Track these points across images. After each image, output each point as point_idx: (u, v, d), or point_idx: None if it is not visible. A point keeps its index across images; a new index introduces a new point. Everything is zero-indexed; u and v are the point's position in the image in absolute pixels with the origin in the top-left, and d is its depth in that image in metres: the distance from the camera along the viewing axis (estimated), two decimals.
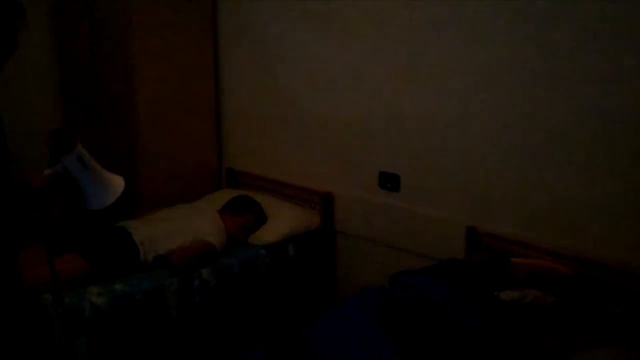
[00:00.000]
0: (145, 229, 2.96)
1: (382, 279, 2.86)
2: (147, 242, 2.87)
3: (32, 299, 2.45)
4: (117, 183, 1.88)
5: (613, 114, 2.24)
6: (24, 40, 1.76)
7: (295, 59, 3.35)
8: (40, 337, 2.38)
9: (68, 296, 2.53)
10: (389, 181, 3.05)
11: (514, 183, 2.58)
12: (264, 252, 3.15)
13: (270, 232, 3.22)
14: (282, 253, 3.21)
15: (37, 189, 1.75)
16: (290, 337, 1.94)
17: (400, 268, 2.89)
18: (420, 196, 2.93)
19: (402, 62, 2.88)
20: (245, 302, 3.06)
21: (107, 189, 1.85)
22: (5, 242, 1.82)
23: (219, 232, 3.06)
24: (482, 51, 2.57)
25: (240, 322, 3.03)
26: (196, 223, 3.06)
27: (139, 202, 3.47)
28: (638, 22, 2.15)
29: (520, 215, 2.57)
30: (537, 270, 2.21)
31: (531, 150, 2.49)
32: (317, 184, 3.39)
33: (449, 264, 2.41)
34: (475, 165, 2.70)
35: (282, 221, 3.27)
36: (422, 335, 1.85)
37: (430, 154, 2.86)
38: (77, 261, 2.68)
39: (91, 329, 2.52)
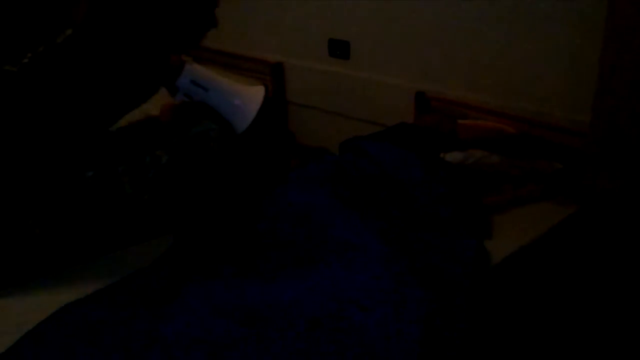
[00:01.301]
0: None
1: (334, 148, 2.90)
2: None
3: None
4: (254, 93, 1.65)
5: None
6: None
7: None
8: None
9: None
10: (339, 48, 3.00)
11: (462, 46, 2.56)
12: (215, 126, 3.11)
13: None
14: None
15: (167, 123, 1.59)
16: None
17: (351, 136, 2.93)
18: (371, 63, 2.90)
19: None
20: (198, 176, 3.06)
21: (245, 104, 1.61)
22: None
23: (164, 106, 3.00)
24: None
25: (195, 197, 3.05)
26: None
27: None
28: None
29: (469, 78, 2.58)
30: (483, 130, 2.25)
31: (479, 11, 2.46)
32: (266, 54, 3.31)
33: (398, 129, 2.44)
34: (425, 29, 2.66)
35: None
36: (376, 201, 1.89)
37: (381, 19, 2.80)
38: None
39: None
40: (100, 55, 1.63)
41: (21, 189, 1.70)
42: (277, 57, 3.26)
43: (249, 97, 1.62)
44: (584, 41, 2.21)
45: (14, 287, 1.69)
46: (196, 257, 1.71)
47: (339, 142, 2.84)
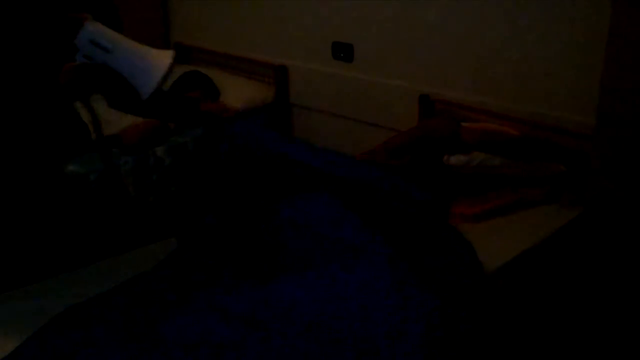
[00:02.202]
0: (95, 108, 2.87)
1: (338, 149, 2.89)
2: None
3: None
4: (161, 56, 1.49)
5: None
6: None
7: None
8: None
9: None
10: (343, 51, 3.00)
11: (466, 49, 2.55)
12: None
13: None
14: None
15: (64, 85, 1.51)
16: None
17: (356, 139, 2.93)
18: (374, 65, 2.90)
19: None
20: (203, 178, 3.07)
21: (150, 67, 1.46)
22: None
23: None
24: None
25: (198, 199, 3.06)
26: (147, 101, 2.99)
27: None
28: None
29: (472, 81, 2.57)
30: (486, 133, 2.25)
31: (483, 14, 2.45)
32: (271, 57, 3.31)
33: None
34: (429, 32, 2.65)
35: (235, 96, 3.21)
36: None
37: (384, 22, 2.80)
38: None
39: None
40: None
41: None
42: (281, 59, 3.26)
43: (154, 60, 1.47)
44: (588, 43, 2.20)
45: (16, 290, 1.69)
46: (198, 259, 1.70)
47: (343, 143, 2.85)
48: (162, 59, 1.49)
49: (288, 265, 1.53)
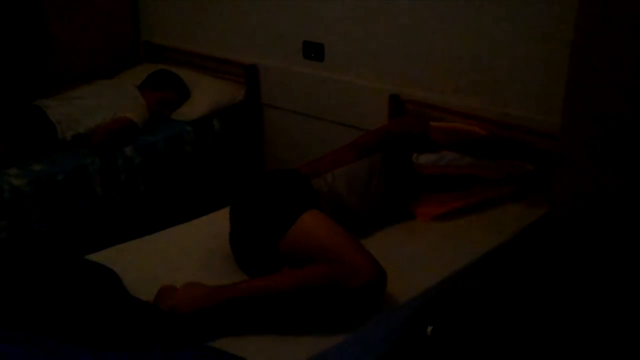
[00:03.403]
0: (62, 107, 2.84)
1: (308, 150, 2.89)
2: (65, 121, 2.77)
3: None
4: None
5: None
6: None
7: None
8: None
9: None
10: (313, 51, 3.00)
11: (436, 50, 2.58)
12: (189, 128, 3.10)
13: (194, 107, 3.15)
14: (207, 128, 3.17)
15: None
16: None
17: (326, 139, 2.93)
18: (345, 65, 2.90)
19: None
20: (172, 178, 3.05)
21: None
22: None
23: (139, 109, 2.97)
24: None
25: (168, 199, 3.03)
26: (115, 100, 2.96)
27: (53, 79, 3.32)
28: None
29: (443, 81, 2.59)
30: (455, 132, 2.27)
31: (452, 15, 2.48)
32: (241, 56, 3.30)
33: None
34: (400, 33, 2.67)
35: (205, 95, 3.19)
36: None
37: (355, 22, 2.80)
38: None
39: (12, 211, 2.46)
40: None
41: None
42: (252, 59, 3.25)
43: None
44: (554, 42, 2.24)
45: None
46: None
47: (313, 143, 2.84)
48: None
49: None
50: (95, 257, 1.91)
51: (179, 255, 1.94)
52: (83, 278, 1.62)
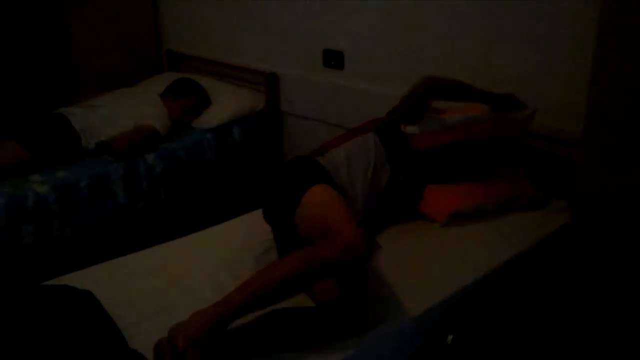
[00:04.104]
0: (86, 115, 2.88)
1: None
2: (88, 129, 2.81)
3: None
4: None
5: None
6: None
7: None
8: None
9: (9, 185, 2.50)
10: (333, 59, 3.01)
11: (454, 57, 2.57)
12: (210, 136, 3.12)
13: (214, 115, 3.18)
14: (228, 136, 3.19)
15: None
16: None
17: None
18: (365, 73, 2.91)
19: None
20: (192, 185, 3.07)
21: None
22: None
23: (161, 117, 3.01)
24: None
25: (188, 206, 3.06)
26: (138, 108, 2.99)
27: (77, 88, 3.37)
28: None
29: None
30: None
31: (471, 23, 2.47)
32: (262, 65, 3.32)
33: None
34: (418, 41, 2.67)
35: (226, 104, 3.22)
36: None
37: (375, 30, 2.81)
38: (16, 149, 2.62)
39: (36, 217, 2.50)
40: None
41: None
42: (272, 67, 3.27)
43: None
44: (577, 48, 2.22)
45: None
46: None
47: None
48: None
49: None
50: (111, 263, 1.94)
51: (194, 262, 1.95)
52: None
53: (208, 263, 1.92)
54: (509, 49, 2.41)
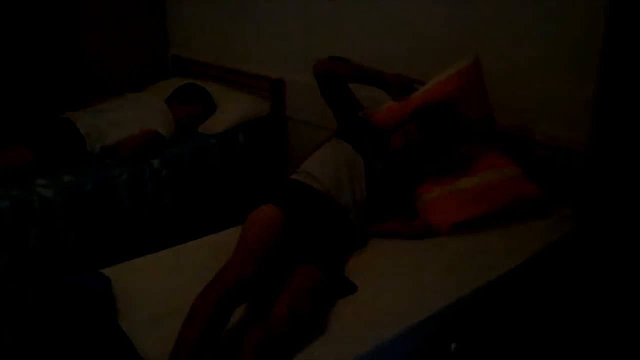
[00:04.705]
0: (91, 119, 2.89)
1: None
2: (94, 133, 2.82)
3: None
4: None
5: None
6: None
7: None
8: None
9: (15, 188, 2.51)
10: None
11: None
12: (214, 141, 3.13)
13: (220, 121, 3.19)
14: (233, 141, 3.20)
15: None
16: None
17: None
18: None
19: None
20: (197, 190, 3.08)
21: None
22: None
23: (167, 122, 3.02)
24: None
25: (193, 211, 3.06)
26: (143, 113, 3.00)
27: (82, 92, 3.39)
28: None
29: None
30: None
31: (479, 32, 2.48)
32: (267, 70, 3.33)
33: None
34: (425, 48, 2.67)
35: (231, 109, 3.23)
36: None
37: (380, 37, 2.82)
38: (22, 153, 2.63)
39: (41, 220, 2.51)
40: None
41: None
42: (277, 73, 3.27)
43: None
44: (582, 55, 2.22)
45: None
46: None
47: None
48: None
49: None
50: (118, 268, 1.95)
51: (199, 269, 1.94)
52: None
53: (212, 269, 1.92)
54: (520, 56, 2.40)
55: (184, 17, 3.69)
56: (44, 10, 3.29)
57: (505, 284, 1.94)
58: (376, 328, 1.65)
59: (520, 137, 2.39)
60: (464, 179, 2.19)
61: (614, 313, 1.92)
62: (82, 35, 3.39)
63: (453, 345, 1.77)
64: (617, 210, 1.88)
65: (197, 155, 3.05)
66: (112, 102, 3.13)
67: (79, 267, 2.11)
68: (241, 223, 1.95)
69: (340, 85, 2.35)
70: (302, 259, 1.82)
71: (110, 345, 1.55)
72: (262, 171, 3.37)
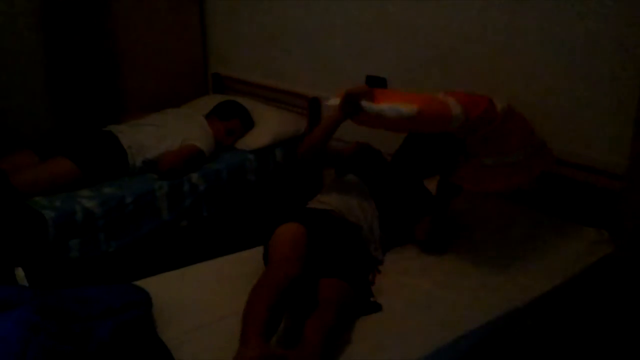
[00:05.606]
0: (133, 133, 2.97)
1: None
2: (135, 147, 2.90)
3: (22, 202, 2.50)
4: None
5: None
6: None
7: None
8: (32, 238, 2.44)
9: (59, 199, 2.58)
10: (376, 84, 3.03)
11: (501, 85, 2.58)
12: (252, 157, 3.18)
13: (257, 137, 3.24)
14: (270, 157, 3.24)
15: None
16: None
17: None
18: None
19: None
20: (234, 205, 3.13)
21: None
22: None
23: (206, 137, 3.08)
24: None
25: (230, 225, 3.10)
26: (184, 128, 3.07)
27: (125, 107, 3.47)
28: None
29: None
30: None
31: (518, 53, 2.48)
32: (305, 89, 3.37)
33: None
34: (462, 66, 2.69)
35: (269, 126, 3.27)
36: None
37: (418, 57, 2.84)
38: (66, 165, 2.71)
39: (83, 231, 2.58)
40: None
41: None
42: (314, 91, 3.32)
43: None
44: (622, 77, 2.21)
45: None
46: None
47: None
48: None
49: None
50: (156, 279, 1.99)
51: (236, 282, 1.97)
52: None
53: (249, 283, 1.95)
54: (560, 78, 2.40)
55: (224, 37, 3.77)
56: (89, 28, 3.40)
57: (540, 306, 1.92)
58: (402, 347, 1.66)
59: (558, 160, 2.37)
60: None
61: None
62: (123, 51, 3.47)
63: None
64: None
65: (234, 171, 3.10)
66: (153, 117, 3.20)
67: (119, 278, 2.16)
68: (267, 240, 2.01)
69: (324, 152, 2.44)
70: (325, 273, 1.87)
71: (151, 356, 1.59)
72: (298, 187, 3.41)
